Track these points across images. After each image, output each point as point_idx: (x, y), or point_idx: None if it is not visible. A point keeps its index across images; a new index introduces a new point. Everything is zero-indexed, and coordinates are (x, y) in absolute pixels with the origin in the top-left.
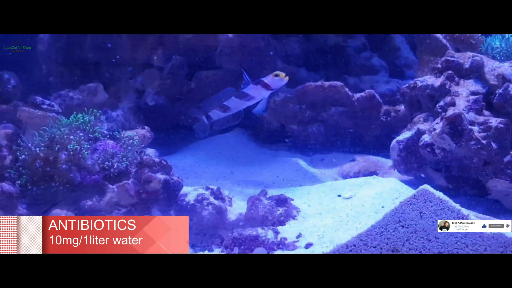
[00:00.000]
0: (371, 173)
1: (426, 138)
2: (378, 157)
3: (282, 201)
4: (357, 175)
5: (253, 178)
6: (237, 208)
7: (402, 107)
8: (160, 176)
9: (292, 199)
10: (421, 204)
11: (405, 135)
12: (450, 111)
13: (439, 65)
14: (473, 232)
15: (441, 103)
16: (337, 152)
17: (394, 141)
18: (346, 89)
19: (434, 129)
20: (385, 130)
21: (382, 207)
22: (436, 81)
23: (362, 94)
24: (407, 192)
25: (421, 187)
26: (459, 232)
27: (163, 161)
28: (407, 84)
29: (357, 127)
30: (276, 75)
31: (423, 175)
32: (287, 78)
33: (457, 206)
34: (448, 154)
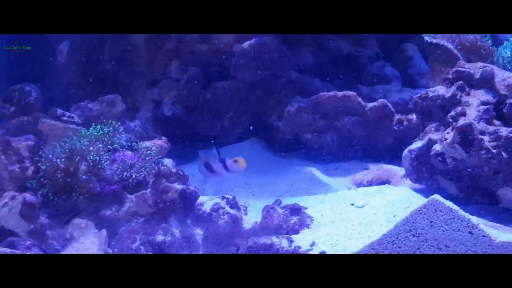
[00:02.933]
0: (384, 182)
1: (437, 147)
2: (391, 165)
3: (296, 210)
4: (370, 183)
5: (267, 187)
6: (252, 217)
7: (414, 116)
8: (177, 186)
9: (306, 208)
10: (431, 214)
11: (417, 144)
12: (461, 121)
13: (450, 76)
14: (482, 241)
15: (452, 113)
16: (351, 161)
17: (406, 151)
18: (359, 98)
19: (445, 139)
20: (398, 139)
21: (394, 216)
22: (447, 92)
23: (375, 103)
24: (418, 201)
25: (431, 197)
26: (468, 241)
27: (180, 171)
28: (419, 94)
29: (370, 136)
30: (235, 161)
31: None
32: (244, 165)
33: (467, 215)
34: (459, 163)
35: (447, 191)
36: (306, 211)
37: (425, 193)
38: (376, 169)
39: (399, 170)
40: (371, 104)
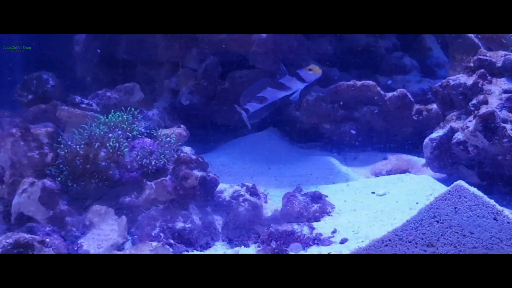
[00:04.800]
0: (403, 172)
1: (459, 135)
2: (410, 155)
3: (317, 197)
4: (389, 173)
5: (287, 176)
6: (272, 204)
7: (434, 106)
8: (197, 173)
9: (327, 196)
10: (455, 200)
11: (438, 133)
12: (483, 109)
13: (471, 64)
14: (507, 228)
15: (474, 101)
16: (370, 151)
17: (427, 139)
18: (378, 88)
19: (467, 127)
20: (417, 129)
21: (416, 203)
22: (469, 80)
23: (394, 93)
24: (441, 188)
25: (455, 182)
26: (493, 228)
27: (199, 158)
28: (440, 83)
29: (389, 126)
30: (310, 69)
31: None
32: (320, 71)
33: (492, 201)
34: (481, 152)
35: (469, 180)
36: (327, 198)
37: (446, 182)
38: (395, 159)
39: (418, 160)
40: (390, 94)
